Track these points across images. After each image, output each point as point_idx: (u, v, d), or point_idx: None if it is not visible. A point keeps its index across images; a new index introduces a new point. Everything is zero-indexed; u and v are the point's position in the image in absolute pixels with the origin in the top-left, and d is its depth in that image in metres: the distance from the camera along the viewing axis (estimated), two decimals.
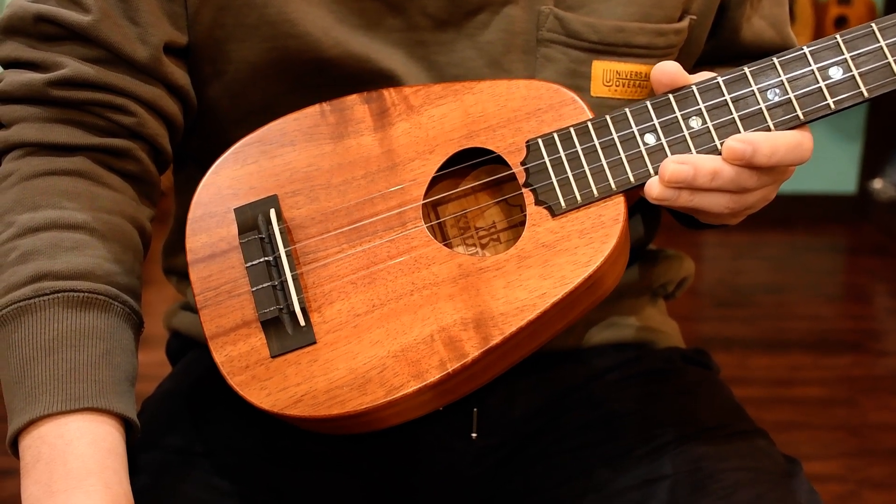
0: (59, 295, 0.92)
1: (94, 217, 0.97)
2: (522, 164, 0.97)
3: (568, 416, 1.15)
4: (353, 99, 1.01)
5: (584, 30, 1.04)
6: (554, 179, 0.96)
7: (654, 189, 0.93)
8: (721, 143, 0.94)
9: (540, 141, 0.97)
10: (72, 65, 0.99)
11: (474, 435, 1.04)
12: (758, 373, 3.17)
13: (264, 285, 0.96)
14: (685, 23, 1.08)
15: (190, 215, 0.99)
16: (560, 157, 0.96)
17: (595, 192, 0.95)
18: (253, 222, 0.98)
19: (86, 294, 0.93)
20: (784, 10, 1.19)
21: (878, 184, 4.26)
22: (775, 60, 0.96)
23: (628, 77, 1.06)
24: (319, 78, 1.04)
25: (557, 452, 1.12)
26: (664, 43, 1.06)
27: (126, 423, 0.93)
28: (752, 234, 4.24)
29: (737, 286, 3.83)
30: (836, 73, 0.95)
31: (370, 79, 1.04)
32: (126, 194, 1.02)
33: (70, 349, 0.91)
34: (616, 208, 0.95)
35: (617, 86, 1.07)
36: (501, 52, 1.05)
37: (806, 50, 0.95)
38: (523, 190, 0.96)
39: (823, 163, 4.32)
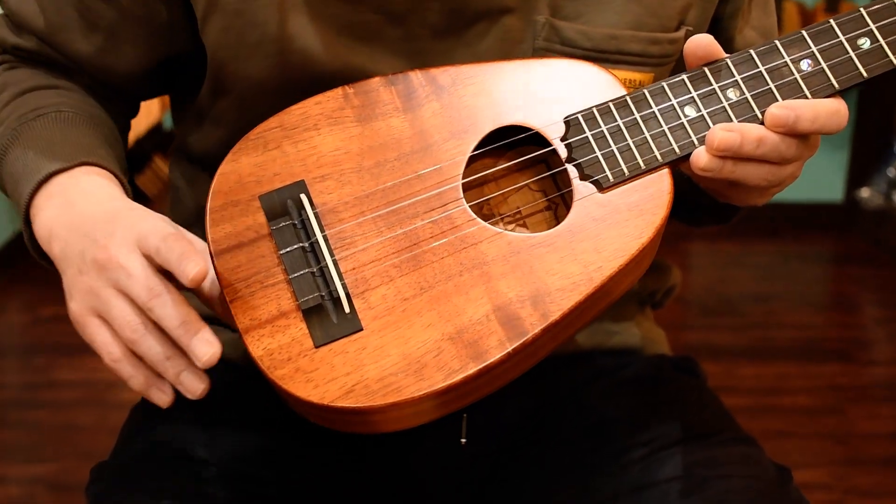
0: (48, 116, 1.05)
1: (67, 84, 1.11)
2: (563, 140, 0.96)
3: (558, 421, 1.15)
4: (377, 81, 0.98)
5: (577, 37, 1.05)
6: (599, 153, 0.95)
7: (701, 159, 0.93)
8: (761, 113, 0.95)
9: (580, 117, 0.96)
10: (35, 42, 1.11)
11: (463, 441, 1.05)
12: (745, 382, 3.17)
13: (303, 272, 0.91)
14: (681, 33, 1.09)
15: (209, 205, 0.94)
16: (602, 131, 0.96)
17: (641, 164, 0.95)
18: (282, 208, 0.94)
19: (72, 113, 1.06)
20: (772, 20, 1.19)
21: (865, 192, 4.27)
22: (804, 33, 0.96)
23: (623, 84, 1.06)
24: (321, 91, 1.04)
25: (548, 458, 1.13)
26: (659, 52, 1.07)
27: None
28: (739, 243, 4.24)
29: (724, 295, 3.83)
30: (865, 44, 0.96)
31: None
32: (89, 94, 1.13)
33: (64, 141, 1.02)
34: (663, 180, 0.95)
35: None
36: (498, 60, 1.05)
37: (833, 22, 0.96)
38: (567, 166, 0.95)
39: (810, 171, 4.29)
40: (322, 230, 0.92)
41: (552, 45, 1.05)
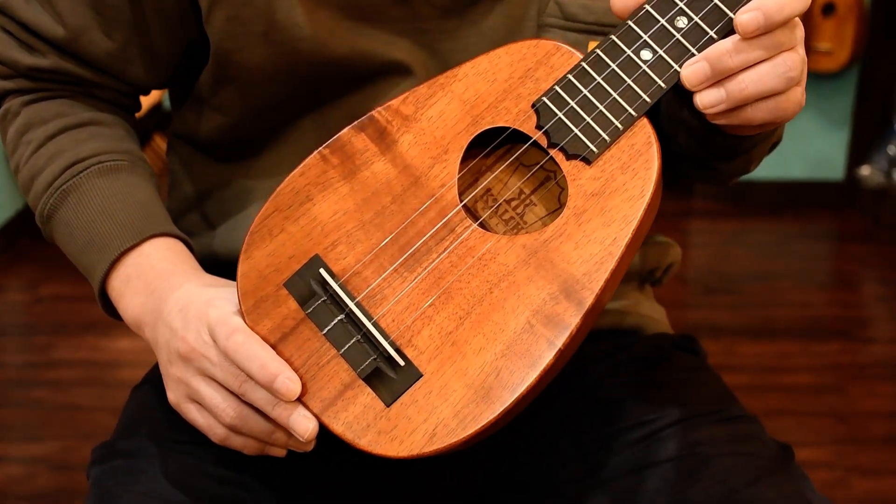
0: (90, 169, 1.08)
1: (94, 115, 1.13)
2: (538, 127, 0.96)
3: (561, 401, 1.15)
4: (347, 133, 0.98)
5: (579, 11, 1.05)
6: (576, 130, 0.95)
7: (703, 98, 0.91)
8: (714, 35, 0.92)
9: (545, 99, 0.96)
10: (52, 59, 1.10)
11: None
12: (746, 360, 3.18)
13: (350, 343, 0.94)
14: None
15: (244, 308, 0.96)
16: (571, 106, 0.95)
17: (619, 125, 0.94)
18: (308, 289, 0.95)
19: (111, 162, 1.10)
20: None
21: (865, 170, 4.26)
22: None
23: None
24: (327, 76, 1.04)
25: (551, 438, 1.13)
26: None
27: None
28: (739, 221, 4.24)
29: (724, 273, 3.83)
30: None
31: (378, 70, 1.06)
32: (106, 110, 1.16)
33: (120, 202, 1.08)
34: (644, 132, 0.94)
35: None
36: (504, 37, 1.05)
37: None
38: (551, 152, 0.95)
39: (811, 150, 4.32)
40: (352, 298, 0.95)
41: (556, 20, 1.05)
